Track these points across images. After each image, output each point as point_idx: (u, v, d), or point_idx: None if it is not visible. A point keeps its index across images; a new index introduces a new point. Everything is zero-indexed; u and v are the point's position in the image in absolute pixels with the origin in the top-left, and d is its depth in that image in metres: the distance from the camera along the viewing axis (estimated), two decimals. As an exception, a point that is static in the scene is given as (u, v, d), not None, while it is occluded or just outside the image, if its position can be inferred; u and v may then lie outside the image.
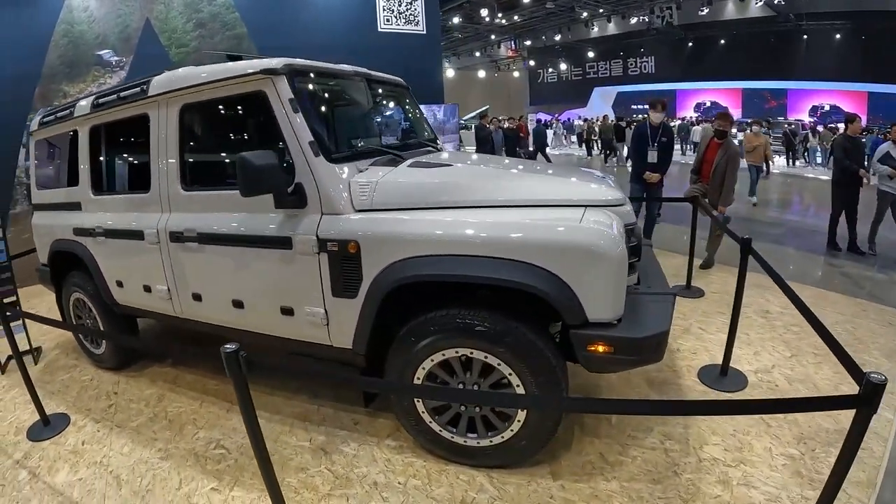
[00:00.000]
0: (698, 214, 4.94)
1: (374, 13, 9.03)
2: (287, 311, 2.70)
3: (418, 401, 2.53)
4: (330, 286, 2.53)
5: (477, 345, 2.30)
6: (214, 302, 3.01)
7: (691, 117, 25.14)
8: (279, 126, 2.52)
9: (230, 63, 2.73)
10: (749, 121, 12.55)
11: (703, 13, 22.07)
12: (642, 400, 3.02)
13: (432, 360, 2.41)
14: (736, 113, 25.62)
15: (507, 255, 2.16)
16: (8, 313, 3.24)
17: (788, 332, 3.87)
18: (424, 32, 9.61)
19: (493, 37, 28.68)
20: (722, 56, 25.67)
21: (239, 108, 2.85)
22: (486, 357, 2.32)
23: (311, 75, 2.79)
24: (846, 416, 1.67)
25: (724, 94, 26.73)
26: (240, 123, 2.97)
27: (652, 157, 5.83)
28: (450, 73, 34.98)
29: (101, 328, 3.78)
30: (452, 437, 2.52)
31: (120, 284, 3.46)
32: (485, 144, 12.02)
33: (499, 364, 2.31)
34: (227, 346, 1.91)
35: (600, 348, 2.14)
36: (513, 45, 29.52)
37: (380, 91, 3.43)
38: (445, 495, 2.39)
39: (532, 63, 32.34)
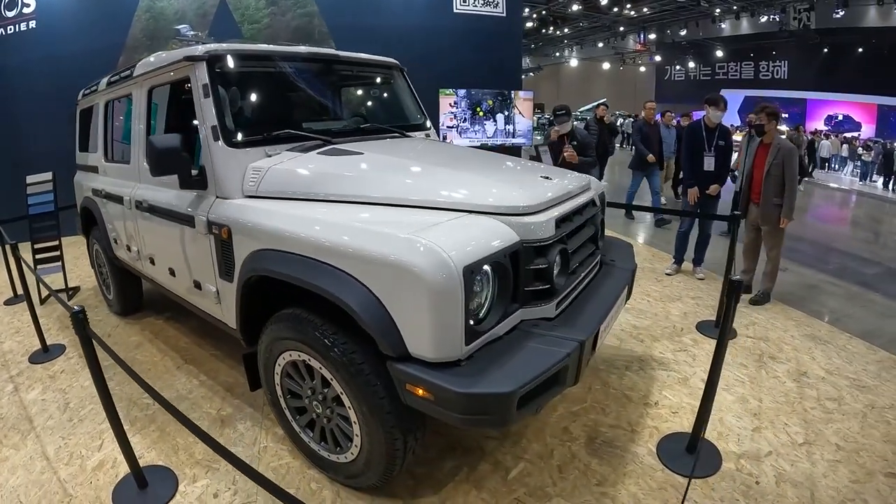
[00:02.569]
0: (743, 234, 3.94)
1: (450, -8, 8.48)
2: (197, 285, 2.77)
3: (282, 397, 2.36)
4: (216, 267, 2.51)
5: (310, 353, 2.05)
6: (159, 267, 3.17)
7: (822, 131, 21.77)
8: (196, 110, 2.51)
9: (175, 51, 2.76)
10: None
11: (839, 16, 18.79)
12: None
13: (284, 359, 2.23)
14: (869, 130, 21.89)
15: (329, 260, 1.88)
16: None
17: (818, 408, 2.88)
18: (504, 15, 8.90)
19: (621, 28, 26.84)
20: (859, 66, 21.75)
21: (179, 92, 2.84)
22: (320, 368, 2.05)
23: (241, 60, 2.70)
24: None
25: (857, 107, 22.81)
26: (181, 107, 2.88)
27: (708, 163, 4.73)
28: (573, 62, 33.52)
29: (110, 277, 4.16)
30: (309, 442, 2.34)
31: (115, 241, 3.79)
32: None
33: (331, 379, 2.02)
34: (75, 307, 2.02)
35: (419, 391, 1.69)
36: (641, 39, 27.42)
37: (350, 73, 3.33)
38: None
39: (658, 58, 29.91)
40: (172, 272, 3.00)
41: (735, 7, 21.29)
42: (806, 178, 13.72)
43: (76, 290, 4.92)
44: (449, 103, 8.61)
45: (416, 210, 2.00)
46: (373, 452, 2.01)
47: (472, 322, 1.73)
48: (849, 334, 3.84)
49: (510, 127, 9.05)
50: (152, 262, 3.23)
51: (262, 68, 2.87)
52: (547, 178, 2.41)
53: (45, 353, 3.62)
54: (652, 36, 26.93)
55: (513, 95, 8.97)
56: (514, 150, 9.15)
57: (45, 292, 4.61)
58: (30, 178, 4.72)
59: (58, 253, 4.66)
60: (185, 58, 2.54)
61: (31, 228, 4.62)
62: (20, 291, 4.21)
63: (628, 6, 22.39)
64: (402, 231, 1.76)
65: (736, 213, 3.89)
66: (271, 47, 2.89)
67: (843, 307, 4.52)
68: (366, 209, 2.07)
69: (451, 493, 2.25)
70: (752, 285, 4.60)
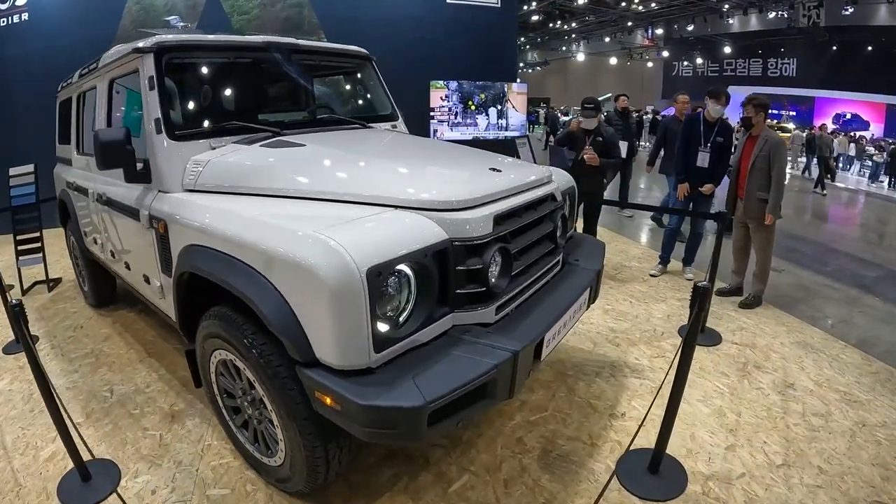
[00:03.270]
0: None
1: (443, -18, 8.18)
2: (146, 279, 2.71)
3: (218, 395, 2.28)
4: (158, 261, 2.44)
5: (234, 353, 1.95)
6: (118, 260, 3.11)
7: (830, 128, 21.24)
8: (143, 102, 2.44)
9: (128, 44, 2.63)
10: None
11: (848, 13, 18.26)
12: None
13: (216, 358, 2.14)
14: (878, 129, 21.32)
15: (242, 257, 1.76)
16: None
17: (803, 425, 2.60)
18: (498, 6, 8.60)
19: (629, 23, 26.39)
20: (868, 65, 21.17)
21: (132, 84, 2.72)
22: (244, 369, 1.94)
23: (192, 52, 2.63)
24: None
25: (866, 106, 22.25)
26: (134, 99, 2.78)
27: (702, 159, 4.40)
28: (580, 56, 33.07)
29: (84, 269, 4.09)
30: (245, 443, 2.23)
31: (85, 234, 3.71)
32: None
33: (254, 381, 1.91)
34: (14, 300, 2.03)
35: (327, 400, 1.55)
36: (649, 35, 26.93)
37: (313, 63, 3.19)
38: (217, 496, 2.14)
39: (666, 54, 29.41)
40: (128, 266, 2.97)
41: (743, 2, 20.81)
42: (828, 180, 13.08)
43: (58, 281, 4.86)
44: (440, 97, 8.33)
45: (344, 205, 1.88)
46: (295, 458, 1.89)
47: (386, 327, 1.59)
48: (844, 342, 3.54)
49: (503, 121, 8.75)
50: (112, 255, 3.18)
51: (215, 59, 2.77)
52: (496, 170, 2.18)
53: (18, 343, 3.50)
54: (659, 31, 26.50)
55: (506, 89, 8.66)
56: (508, 144, 8.87)
57: (27, 283, 4.67)
58: (12, 171, 4.74)
59: (39, 245, 4.68)
60: (133, 50, 2.48)
61: (13, 220, 4.65)
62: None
63: (636, 1, 21.98)
64: (308, 228, 1.61)
65: (722, 211, 3.59)
66: (225, 38, 2.81)
67: (840, 312, 4.21)
68: (291, 203, 1.95)
69: (388, 495, 2.12)
70: (744, 287, 4.31)
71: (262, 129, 2.54)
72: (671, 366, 3.10)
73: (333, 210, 1.82)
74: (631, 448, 2.32)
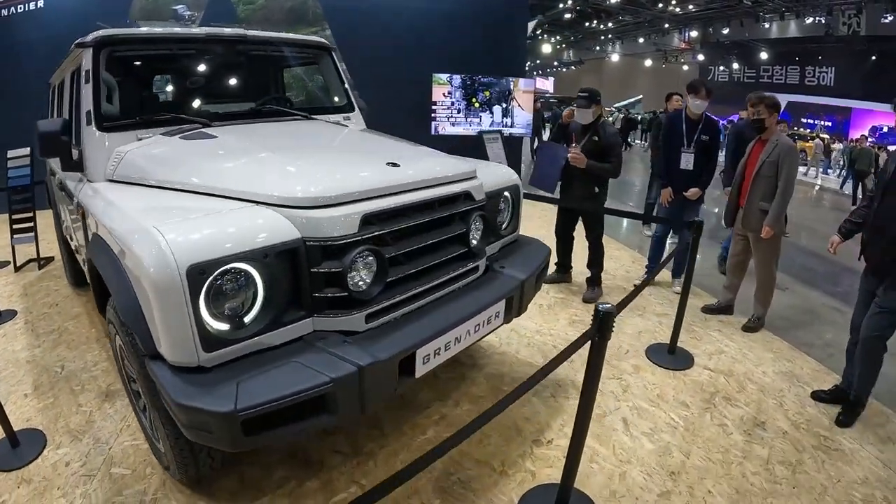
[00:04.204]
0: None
1: (449, -31, 7.88)
2: (84, 263, 2.66)
3: (126, 378, 2.25)
4: (86, 247, 2.37)
5: (122, 338, 1.87)
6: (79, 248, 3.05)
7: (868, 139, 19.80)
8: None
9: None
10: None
11: (888, 20, 17.05)
12: None
13: (117, 342, 2.09)
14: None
15: (112, 247, 1.71)
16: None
17: (763, 475, 2.17)
18: (508, -5, 8.19)
19: (665, 25, 25.51)
20: None
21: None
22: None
23: (132, 45, 2.64)
24: None
25: (906, 119, 20.50)
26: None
27: (686, 161, 3.92)
28: (614, 57, 32.29)
29: (62, 250, 4.13)
30: (146, 427, 2.18)
31: (58, 217, 3.73)
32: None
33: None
34: None
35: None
36: (685, 37, 25.91)
37: (263, 53, 3.10)
38: (118, 475, 2.16)
39: (702, 57, 28.29)
40: (77, 250, 3.00)
41: (780, 7, 19.77)
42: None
43: (50, 259, 4.99)
44: (442, 92, 7.98)
45: (219, 199, 1.76)
46: (166, 448, 1.88)
47: (226, 326, 1.49)
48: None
49: (507, 120, 8.33)
50: (70, 238, 3.21)
51: (157, 52, 2.77)
52: (393, 165, 1.91)
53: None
54: (694, 34, 25.48)
55: (512, 86, 8.23)
56: (511, 142, 8.46)
57: (21, 260, 4.86)
58: (10, 153, 4.88)
59: (31, 224, 4.83)
60: (75, 44, 2.53)
61: (9, 200, 4.84)
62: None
63: (673, 2, 21.12)
64: (154, 221, 1.53)
65: (697, 220, 3.12)
66: (169, 30, 2.81)
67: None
68: (175, 196, 1.88)
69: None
70: (734, 306, 3.83)
71: (189, 121, 2.48)
72: (625, 389, 2.75)
73: (206, 203, 1.72)
74: (542, 483, 1.96)
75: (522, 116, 8.41)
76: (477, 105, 8.13)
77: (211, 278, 1.42)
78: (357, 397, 1.51)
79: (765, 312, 3.63)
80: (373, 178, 1.79)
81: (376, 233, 1.69)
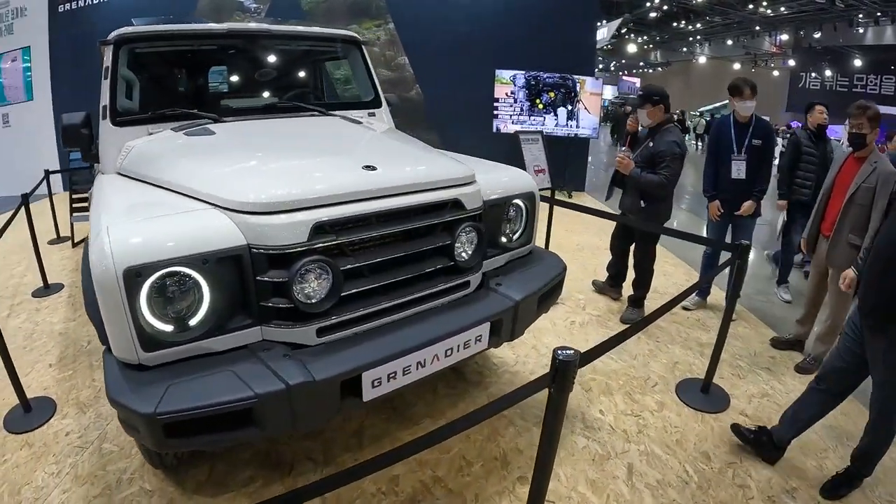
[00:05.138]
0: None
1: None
2: None
3: None
4: None
5: None
6: None
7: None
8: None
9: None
10: None
11: None
12: None
13: None
14: None
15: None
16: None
17: None
18: (577, -11, 7.75)
19: (756, 28, 23.50)
20: None
21: None
22: None
23: (151, 42, 2.64)
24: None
25: None
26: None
27: (737, 169, 3.45)
28: (701, 59, 30.37)
29: None
30: None
31: None
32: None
33: None
34: None
35: None
36: (776, 41, 23.70)
37: (287, 48, 3.03)
38: (107, 450, 2.24)
39: (793, 63, 25.73)
40: None
41: (874, 11, 17.52)
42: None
43: None
44: (505, 92, 7.70)
45: (189, 199, 1.71)
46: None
47: (170, 328, 1.46)
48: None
49: (572, 123, 7.89)
50: None
51: (177, 48, 2.77)
52: (370, 168, 1.75)
53: (46, 289, 4.00)
54: (785, 37, 23.22)
55: (578, 87, 7.76)
56: (577, 143, 8.03)
57: (78, 237, 5.13)
58: None
59: (89, 204, 5.27)
60: (100, 42, 2.56)
61: (70, 180, 5.24)
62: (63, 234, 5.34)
63: (764, 3, 19.31)
64: (109, 219, 1.52)
65: (742, 243, 2.68)
66: (190, 26, 2.77)
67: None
68: (154, 193, 1.86)
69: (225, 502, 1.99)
70: (807, 345, 3.31)
71: (199, 116, 2.44)
72: (641, 430, 2.44)
73: (180, 203, 1.67)
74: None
75: (588, 120, 7.94)
76: (541, 106, 7.78)
77: (151, 280, 1.39)
78: (286, 415, 1.43)
79: (824, 353, 3.12)
80: (333, 182, 1.64)
81: (329, 243, 1.55)
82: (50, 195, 5.45)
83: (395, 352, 1.56)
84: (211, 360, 1.49)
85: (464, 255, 1.87)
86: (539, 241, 3.89)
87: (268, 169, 1.81)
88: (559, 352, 1.35)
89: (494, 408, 1.41)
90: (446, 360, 1.70)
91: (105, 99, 2.42)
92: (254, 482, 2.06)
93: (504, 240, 2.24)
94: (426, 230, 1.78)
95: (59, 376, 2.79)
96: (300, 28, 3.00)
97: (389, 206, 1.66)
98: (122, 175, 2.20)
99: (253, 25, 2.83)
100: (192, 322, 1.47)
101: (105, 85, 2.44)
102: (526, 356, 3.10)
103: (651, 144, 3.29)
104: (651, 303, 3.97)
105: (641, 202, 3.39)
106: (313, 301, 1.53)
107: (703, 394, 2.76)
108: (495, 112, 7.71)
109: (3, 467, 2.18)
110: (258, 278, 1.49)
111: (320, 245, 1.53)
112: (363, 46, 3.15)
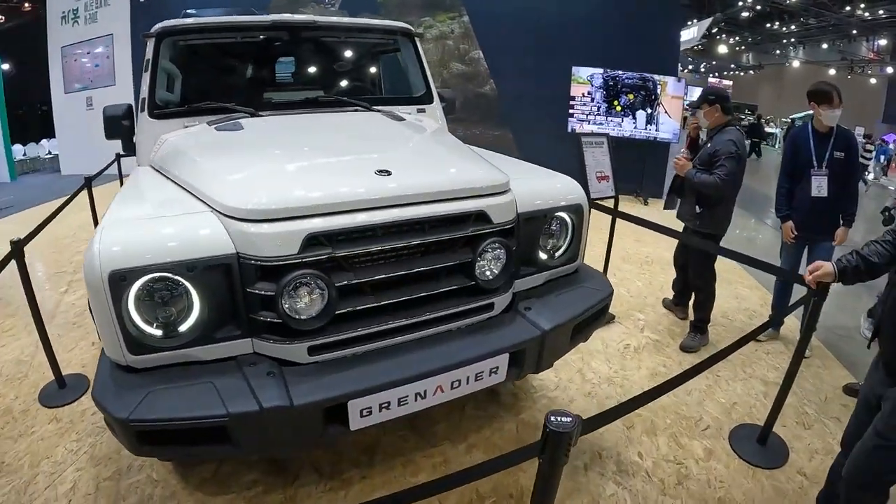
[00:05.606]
0: None
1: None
2: None
3: None
4: None
5: None
6: None
7: None
8: None
9: None
10: None
11: None
12: None
13: None
14: None
15: None
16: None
17: None
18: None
19: (853, 31, 21.39)
20: None
21: None
22: None
23: (194, 34, 2.61)
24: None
25: None
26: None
27: (818, 186, 3.01)
28: (795, 63, 28.14)
29: None
30: None
31: None
32: None
33: None
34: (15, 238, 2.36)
35: None
36: (874, 46, 21.41)
37: (335, 40, 2.93)
38: None
39: (891, 70, 23.09)
40: None
41: None
42: None
43: None
44: (582, 92, 7.33)
45: (195, 200, 1.65)
46: None
47: (159, 332, 1.41)
48: None
49: (651, 127, 7.39)
50: None
51: (221, 40, 2.73)
52: (384, 172, 1.57)
53: None
54: (883, 42, 20.86)
55: (659, 89, 7.23)
56: (656, 146, 7.52)
57: None
58: None
59: None
60: (143, 35, 2.56)
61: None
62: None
63: (862, 6, 17.39)
64: (110, 219, 1.51)
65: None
66: (234, 18, 2.71)
67: None
68: (168, 190, 1.82)
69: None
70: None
71: (234, 110, 2.38)
72: (680, 481, 2.14)
73: (187, 203, 1.62)
74: None
75: (669, 125, 7.40)
76: (619, 108, 7.35)
77: (139, 285, 1.35)
78: (259, 437, 1.37)
79: None
80: (333, 189, 1.49)
81: (324, 255, 1.42)
82: (120, 177, 5.67)
83: (390, 381, 1.41)
84: (197, 369, 1.44)
85: (487, 273, 1.68)
86: (599, 253, 3.61)
87: (268, 172, 1.69)
88: (552, 418, 1.11)
89: (465, 477, 1.19)
90: (452, 393, 1.53)
91: (144, 91, 2.43)
92: (255, 486, 2.01)
93: (544, 257, 2.00)
94: (442, 245, 1.60)
95: (98, 355, 2.85)
96: (348, 19, 2.89)
97: (397, 216, 1.50)
98: (152, 168, 2.19)
99: (298, 17, 2.72)
100: (182, 328, 1.42)
101: (145, 77, 2.44)
102: (569, 381, 2.85)
103: (709, 145, 3.11)
104: (720, 330, 3.60)
105: (696, 207, 3.15)
106: (303, 318, 1.41)
107: (759, 444, 2.40)
108: (571, 111, 7.40)
109: (30, 438, 2.24)
110: (247, 289, 1.41)
111: (312, 258, 1.41)
112: (416, 39, 2.99)
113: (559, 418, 1.10)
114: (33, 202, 6.74)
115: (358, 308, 1.48)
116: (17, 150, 12.19)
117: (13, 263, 2.35)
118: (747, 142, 8.21)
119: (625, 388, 2.81)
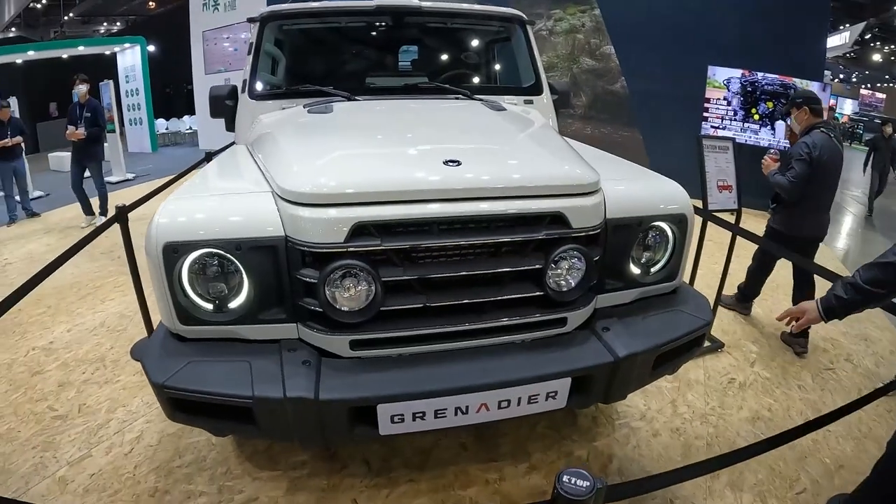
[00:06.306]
0: None
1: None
2: None
3: None
4: None
5: None
6: None
7: None
8: None
9: None
10: None
11: None
12: None
13: None
14: None
15: None
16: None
17: None
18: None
19: None
20: None
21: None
22: None
23: (297, 19, 2.68)
24: None
25: None
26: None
27: None
28: None
29: None
30: None
31: None
32: None
33: None
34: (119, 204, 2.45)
35: None
36: None
37: (441, 25, 2.83)
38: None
39: None
40: None
41: None
42: None
43: None
44: (718, 97, 6.70)
45: (263, 181, 1.64)
46: None
47: (209, 306, 1.42)
48: None
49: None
50: None
51: (323, 25, 2.78)
52: (452, 163, 1.41)
53: None
54: None
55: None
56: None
57: None
58: None
59: None
60: (248, 18, 2.64)
61: None
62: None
63: None
64: (178, 193, 1.54)
65: None
66: (337, 4, 2.73)
67: None
68: (250, 169, 1.79)
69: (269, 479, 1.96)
70: None
71: (331, 93, 2.36)
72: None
73: (252, 182, 1.62)
74: None
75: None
76: (756, 116, 6.63)
77: (191, 258, 1.36)
78: (282, 425, 1.34)
79: None
80: (387, 177, 1.38)
81: (372, 247, 1.31)
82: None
83: (425, 390, 1.28)
84: (241, 347, 1.43)
85: (561, 284, 1.46)
86: (716, 271, 3.19)
87: (330, 155, 1.60)
88: (566, 477, 0.91)
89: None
90: (499, 413, 1.35)
91: (246, 73, 2.50)
92: (302, 468, 2.00)
93: (636, 271, 1.70)
94: (508, 247, 1.41)
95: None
96: (455, 4, 2.76)
97: (454, 211, 1.34)
98: (246, 147, 2.22)
99: (403, 1, 2.65)
100: (232, 305, 1.42)
101: (248, 60, 2.51)
102: (658, 411, 2.52)
103: (788, 149, 3.33)
104: (841, 376, 3.05)
105: (771, 202, 3.31)
106: (345, 310, 1.31)
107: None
108: (705, 115, 6.83)
109: (114, 386, 2.41)
110: (292, 274, 1.36)
111: (359, 249, 1.30)
112: (528, 26, 2.83)
113: (574, 481, 0.89)
114: (169, 172, 7.50)
115: (407, 307, 1.36)
116: (161, 124, 13.69)
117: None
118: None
119: (718, 430, 2.43)
